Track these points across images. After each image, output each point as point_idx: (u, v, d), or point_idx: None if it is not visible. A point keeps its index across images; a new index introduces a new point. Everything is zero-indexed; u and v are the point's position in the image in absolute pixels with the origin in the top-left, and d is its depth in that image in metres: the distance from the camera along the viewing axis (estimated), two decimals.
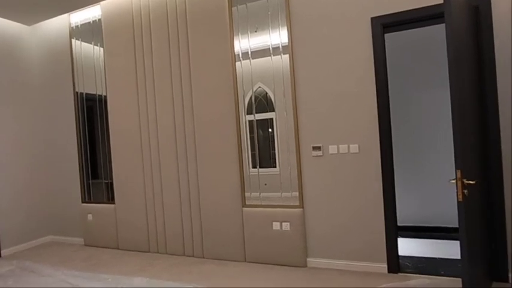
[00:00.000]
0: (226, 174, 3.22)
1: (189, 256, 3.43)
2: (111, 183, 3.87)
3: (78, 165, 4.11)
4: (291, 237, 2.98)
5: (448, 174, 3.35)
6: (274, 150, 3.07)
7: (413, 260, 2.87)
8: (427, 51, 3.52)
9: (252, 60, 3.12)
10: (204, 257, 3.36)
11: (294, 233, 2.97)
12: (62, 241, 4.27)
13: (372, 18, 2.67)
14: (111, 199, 3.91)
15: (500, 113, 2.38)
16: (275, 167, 3.08)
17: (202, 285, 2.72)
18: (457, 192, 1.97)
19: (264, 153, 3.13)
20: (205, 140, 3.29)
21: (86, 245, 4.07)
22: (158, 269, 3.16)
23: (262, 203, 3.11)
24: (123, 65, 3.69)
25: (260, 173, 3.13)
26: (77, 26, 4.04)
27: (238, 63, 3.16)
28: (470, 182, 1.98)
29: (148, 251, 3.65)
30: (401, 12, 2.58)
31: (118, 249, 3.83)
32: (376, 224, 2.73)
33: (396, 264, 2.70)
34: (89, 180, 4.09)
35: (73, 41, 4.08)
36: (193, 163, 3.35)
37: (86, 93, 4.05)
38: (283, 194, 3.04)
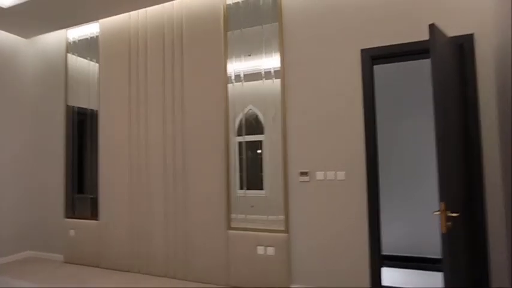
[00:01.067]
0: (213, 196, 3.20)
1: (172, 278, 3.34)
2: (96, 199, 3.81)
3: (64, 179, 4.05)
4: (275, 262, 2.93)
5: (433, 203, 3.41)
6: (262, 172, 3.08)
7: None
8: (415, 82, 3.62)
9: (244, 83, 3.17)
10: (187, 279, 3.28)
11: (278, 257, 2.93)
12: (41, 256, 4.14)
13: (362, 50, 2.76)
14: (95, 215, 3.83)
15: (483, 145, 2.44)
16: (262, 189, 3.08)
17: None
18: (440, 224, 1.98)
19: (251, 175, 3.13)
20: (194, 160, 3.29)
21: (66, 262, 3.95)
22: None
23: (248, 226, 3.08)
24: (117, 81, 3.72)
25: (247, 195, 3.12)
26: (74, 41, 4.10)
27: (230, 85, 3.21)
28: (454, 214, 1.99)
29: (131, 271, 3.55)
30: (389, 45, 2.67)
31: (99, 267, 3.72)
32: (361, 253, 2.71)
33: None
34: (74, 194, 4.02)
35: (69, 55, 4.12)
36: (181, 183, 3.34)
37: (78, 107, 4.05)
38: (269, 217, 3.02)
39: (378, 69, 2.78)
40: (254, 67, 3.15)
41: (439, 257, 3.30)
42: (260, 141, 3.11)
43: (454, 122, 2.28)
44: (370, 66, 2.72)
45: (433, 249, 3.33)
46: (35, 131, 4.30)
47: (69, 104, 4.09)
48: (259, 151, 3.11)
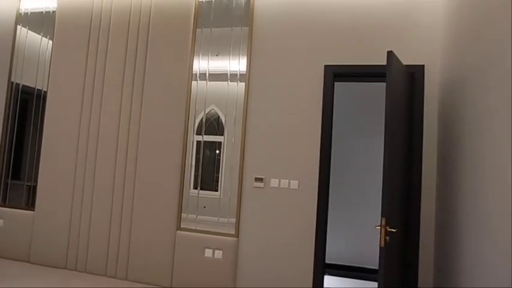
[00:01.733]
0: (165, 193, 3.10)
1: (111, 277, 3.17)
2: (34, 187, 3.51)
3: None
4: (222, 265, 2.92)
5: (375, 218, 3.63)
6: (219, 174, 3.06)
7: None
8: (369, 103, 3.86)
9: (208, 82, 3.14)
10: (127, 279, 3.13)
11: (225, 261, 2.92)
12: None
13: (325, 66, 2.87)
14: (30, 205, 3.52)
15: (423, 167, 2.66)
16: (217, 190, 3.06)
17: None
18: (380, 238, 2.12)
19: (207, 175, 3.10)
20: (148, 155, 3.17)
21: None
22: None
23: (198, 228, 3.04)
24: (72, 63, 3.47)
25: (200, 195, 3.08)
26: (27, 13, 3.74)
27: (194, 83, 3.16)
28: (392, 230, 2.15)
29: (65, 268, 3.31)
30: (350, 65, 2.82)
31: (29, 262, 3.41)
32: (306, 260, 2.81)
33: None
34: (8, 180, 3.65)
35: (19, 27, 3.75)
36: (132, 177, 3.19)
37: (23, 85, 3.71)
38: (220, 219, 3.01)
39: (338, 86, 2.91)
40: (220, 68, 3.13)
41: (374, 267, 3.53)
42: (219, 143, 3.09)
43: (400, 144, 2.46)
44: (331, 82, 2.84)
45: (372, 260, 3.55)
46: None
47: (13, 80, 3.72)
48: (217, 152, 3.09)
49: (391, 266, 2.26)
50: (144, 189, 3.15)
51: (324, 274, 2.82)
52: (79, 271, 3.27)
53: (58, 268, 3.31)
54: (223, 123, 3.08)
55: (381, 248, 2.13)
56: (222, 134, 3.08)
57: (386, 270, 2.13)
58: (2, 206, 3.60)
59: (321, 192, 2.81)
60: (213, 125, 3.12)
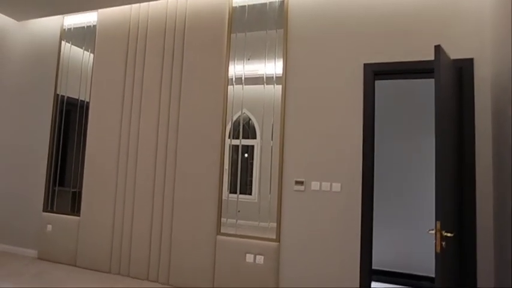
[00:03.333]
0: (204, 198, 3.12)
1: (153, 281, 3.22)
2: (79, 194, 3.65)
3: (46, 171, 3.86)
4: (263, 271, 2.88)
5: (422, 223, 3.46)
6: (252, 177, 3.04)
7: None
8: (412, 102, 3.69)
9: (244, 86, 3.14)
10: (168, 284, 3.16)
11: (267, 267, 2.87)
12: (14, 251, 3.91)
13: (365, 64, 2.79)
14: (76, 211, 3.66)
15: (476, 167, 2.49)
16: (250, 194, 3.04)
17: None
18: (435, 243, 1.99)
19: (243, 179, 3.08)
20: (187, 160, 3.21)
21: (39, 258, 3.74)
22: None
23: (238, 232, 3.01)
24: (112, 74, 3.61)
25: (235, 199, 3.06)
26: (70, 28, 3.96)
27: (230, 87, 3.17)
28: (448, 234, 2.01)
29: (109, 272, 3.40)
30: (391, 63, 2.71)
31: (75, 266, 3.54)
32: (351, 266, 2.70)
33: None
34: (55, 187, 3.83)
35: (63, 43, 3.97)
36: (171, 183, 3.24)
37: (68, 97, 3.89)
38: (260, 223, 2.97)
39: (379, 83, 2.81)
40: (256, 71, 3.12)
41: (424, 274, 3.34)
42: (251, 146, 3.07)
43: (451, 144, 2.32)
44: (372, 81, 2.75)
45: (420, 266, 3.36)
46: (20, 119, 4.08)
47: (59, 93, 3.93)
48: (250, 156, 3.06)
49: (447, 273, 2.11)
50: (184, 194, 3.19)
51: (371, 280, 2.69)
52: (122, 275, 3.34)
53: (102, 272, 3.40)
54: (260, 127, 3.05)
55: (436, 254, 1.99)
56: (255, 138, 3.06)
57: (443, 277, 1.99)
58: (50, 212, 3.78)
59: (365, 194, 2.70)
60: (248, 129, 3.11)
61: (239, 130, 3.12)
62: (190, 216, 3.14)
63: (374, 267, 2.74)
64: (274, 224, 2.92)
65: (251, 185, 3.04)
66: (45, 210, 3.81)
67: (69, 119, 3.88)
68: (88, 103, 3.72)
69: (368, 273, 2.67)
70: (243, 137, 3.10)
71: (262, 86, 3.08)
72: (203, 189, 3.13)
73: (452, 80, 2.37)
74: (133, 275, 3.30)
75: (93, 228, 3.51)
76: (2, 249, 3.96)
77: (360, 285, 2.67)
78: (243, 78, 3.15)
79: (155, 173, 3.31)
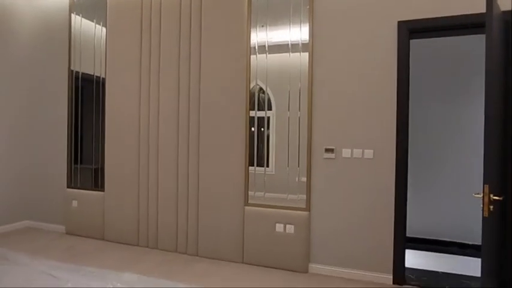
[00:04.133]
0: (230, 170, 3.06)
1: (182, 253, 3.23)
2: (102, 169, 3.63)
3: (66, 148, 3.83)
4: (294, 240, 2.85)
5: (459, 189, 3.38)
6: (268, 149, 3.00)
7: (415, 272, 2.80)
8: (449, 62, 3.50)
9: (268, 55, 2.98)
10: (198, 255, 3.17)
11: (297, 236, 2.84)
12: (41, 227, 3.96)
13: (399, 22, 2.60)
14: (100, 186, 3.66)
15: None
16: (268, 166, 2.98)
17: (196, 285, 2.54)
18: (482, 207, 1.90)
19: (260, 151, 3.01)
20: (210, 132, 3.12)
21: (67, 233, 3.79)
22: (148, 266, 2.94)
23: (266, 203, 2.97)
24: (127, 47, 3.46)
25: (257, 172, 3.00)
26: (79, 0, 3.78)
27: (253, 57, 3.01)
28: (497, 197, 1.91)
29: (137, 245, 3.42)
30: (431, 18, 2.52)
31: (103, 240, 3.58)
32: (385, 234, 2.65)
33: (402, 276, 2.62)
34: (77, 164, 3.82)
35: (73, 15, 3.81)
36: (195, 155, 3.18)
37: (82, 73, 3.79)
38: (289, 196, 2.91)
39: (414, 43, 2.63)
40: (280, 39, 2.95)
41: (465, 241, 3.31)
42: (280, 117, 2.96)
43: (500, 106, 2.18)
44: (407, 41, 2.58)
45: (458, 233, 3.33)
46: (34, 97, 4.01)
47: (73, 68, 3.82)
48: (262, 129, 2.97)
49: (495, 240, 2.04)
50: (209, 166, 3.13)
51: (405, 249, 2.64)
52: (150, 247, 3.36)
53: (130, 245, 3.43)
54: (287, 95, 2.92)
55: (484, 218, 1.90)
56: (286, 108, 2.94)
57: (491, 242, 1.92)
58: (74, 188, 3.78)
59: (400, 160, 2.60)
60: (274, 99, 2.98)
61: (263, 101, 2.99)
62: (217, 188, 3.10)
63: (408, 234, 2.68)
64: (304, 196, 2.85)
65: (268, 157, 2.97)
66: (69, 186, 3.81)
67: (85, 96, 3.79)
68: (104, 79, 3.62)
69: (402, 241, 2.62)
70: (260, 109, 2.99)
71: (286, 54, 2.92)
72: (228, 161, 3.06)
73: (503, 35, 2.19)
74: (161, 247, 3.32)
75: (119, 202, 3.51)
76: (30, 226, 4.02)
77: (394, 254, 2.62)
78: (266, 47, 2.98)
79: (178, 146, 3.24)
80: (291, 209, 2.88)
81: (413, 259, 2.97)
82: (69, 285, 2.35)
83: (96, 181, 3.70)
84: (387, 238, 2.65)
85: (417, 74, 3.33)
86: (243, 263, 3.02)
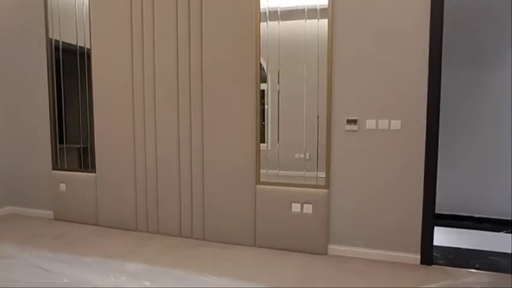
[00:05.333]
0: (238, 145, 2.76)
1: (187, 237, 2.97)
2: (92, 149, 3.26)
3: (49, 126, 3.41)
4: (312, 220, 2.62)
5: (493, 162, 3.21)
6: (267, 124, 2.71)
7: (442, 250, 2.63)
8: (488, 23, 3.23)
9: (281, 22, 2.62)
10: (204, 239, 2.91)
11: (316, 216, 2.61)
12: (26, 214, 3.60)
13: None
14: (90, 167, 3.30)
15: None
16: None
17: (208, 271, 2.30)
18: None
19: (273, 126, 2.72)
20: (215, 104, 2.79)
21: (56, 219, 3.44)
22: (152, 252, 2.67)
23: (281, 181, 2.71)
24: (115, 10, 3.01)
25: (269, 148, 2.73)
26: None
27: (263, 24, 2.64)
28: None
29: (136, 230, 3.13)
30: None
31: (97, 225, 3.26)
32: (413, 211, 2.45)
33: (430, 256, 2.44)
34: (63, 144, 3.42)
35: None
36: (199, 128, 2.85)
37: (63, 42, 3.32)
38: (306, 173, 2.65)
39: (448, 2, 2.34)
40: (293, 3, 2.59)
41: (497, 217, 3.18)
42: (294, 88, 2.65)
43: None
44: (440, 2, 2.27)
45: (491, 208, 3.18)
46: (9, 71, 3.53)
47: (52, 37, 3.33)
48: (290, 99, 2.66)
49: None
50: (214, 142, 2.82)
51: (434, 226, 2.45)
52: (151, 232, 3.08)
53: (128, 230, 3.13)
54: (302, 65, 2.60)
55: None
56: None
57: None
58: (61, 170, 3.41)
59: (430, 131, 2.36)
60: (289, 70, 2.65)
61: (282, 71, 2.66)
62: (224, 166, 2.81)
63: (437, 211, 2.50)
64: (323, 174, 2.60)
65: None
66: (54, 168, 3.43)
67: (67, 68, 3.35)
68: (89, 50, 3.17)
69: (431, 218, 2.42)
70: (289, 79, 2.66)
71: (300, 21, 2.57)
72: (236, 136, 2.76)
73: None
74: (163, 231, 3.04)
75: (113, 184, 3.17)
76: (13, 212, 3.65)
77: (422, 232, 2.44)
78: (279, 12, 2.61)
79: (179, 119, 2.90)
80: (308, 187, 2.63)
81: (440, 236, 2.80)
82: (65, 281, 2.04)
83: (86, 161, 3.33)
84: (415, 215, 2.45)
85: (447, 35, 3.04)
86: (255, 246, 2.79)
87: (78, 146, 3.37)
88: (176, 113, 2.90)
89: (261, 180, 2.75)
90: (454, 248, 2.70)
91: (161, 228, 3.05)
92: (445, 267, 2.41)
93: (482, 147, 3.37)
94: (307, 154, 2.64)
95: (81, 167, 3.34)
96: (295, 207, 2.65)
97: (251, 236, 2.79)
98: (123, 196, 3.14)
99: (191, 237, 2.96)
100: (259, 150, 2.73)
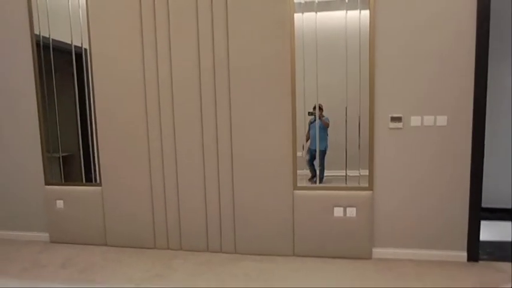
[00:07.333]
0: (272, 149, 2.54)
1: (215, 252, 2.70)
2: (93, 159, 2.86)
3: (39, 134, 2.94)
4: (356, 224, 2.49)
5: None
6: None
7: (488, 245, 2.61)
8: None
9: (318, 13, 2.43)
10: (236, 252, 2.67)
11: (360, 219, 2.48)
12: (14, 238, 3.10)
13: None
14: (94, 179, 2.90)
15: None
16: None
17: None
18: None
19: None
20: (244, 104, 2.53)
21: (53, 242, 3.00)
22: (184, 274, 2.37)
23: (320, 185, 2.54)
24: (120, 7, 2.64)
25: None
26: None
27: (298, 15, 2.43)
28: None
29: (154, 247, 2.80)
30: None
31: (106, 245, 2.88)
32: (459, 208, 2.40)
33: (476, 252, 2.42)
34: (59, 153, 2.97)
35: None
36: (226, 132, 2.58)
37: (53, 40, 2.87)
38: (349, 172, 2.51)
39: None
40: None
41: None
42: (332, 84, 2.48)
43: None
44: None
45: None
46: None
47: (38, 33, 2.86)
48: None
49: None
50: (244, 145, 2.57)
51: (480, 220, 2.42)
52: (172, 249, 2.77)
53: (146, 248, 2.80)
54: (344, 58, 2.43)
55: None
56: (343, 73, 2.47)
57: None
58: (57, 185, 2.96)
59: (477, 126, 2.31)
60: (328, 64, 2.47)
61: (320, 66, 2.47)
62: (256, 172, 2.57)
63: (484, 205, 2.46)
64: (365, 172, 2.47)
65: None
66: (48, 183, 2.98)
67: (59, 68, 2.90)
68: (85, 49, 2.76)
69: (478, 215, 2.39)
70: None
71: (338, 12, 2.40)
72: (269, 138, 2.53)
73: None
74: (187, 247, 2.75)
75: (124, 198, 2.81)
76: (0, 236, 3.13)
77: (469, 229, 2.40)
78: (316, 1, 2.42)
79: (202, 122, 2.61)
80: (351, 190, 2.49)
81: (486, 231, 2.78)
82: None
83: (89, 173, 2.92)
84: (461, 213, 2.40)
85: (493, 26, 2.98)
86: (293, 255, 2.60)
87: (79, 155, 2.94)
88: (199, 115, 2.61)
89: (298, 185, 2.55)
90: (500, 241, 2.70)
91: (184, 243, 2.75)
92: (492, 262, 2.40)
93: None
94: (349, 154, 2.49)
95: (85, 180, 2.92)
96: (338, 212, 2.50)
97: (289, 245, 2.59)
98: (137, 210, 2.79)
99: (220, 252, 2.70)
100: (296, 153, 2.53)
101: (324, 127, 2.49)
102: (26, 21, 2.84)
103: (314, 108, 2.48)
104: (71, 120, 2.91)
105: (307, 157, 2.54)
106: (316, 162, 2.53)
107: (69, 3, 2.76)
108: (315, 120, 2.49)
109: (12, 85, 2.96)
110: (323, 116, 2.49)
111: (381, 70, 2.38)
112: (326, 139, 2.51)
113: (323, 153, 2.53)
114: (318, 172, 2.53)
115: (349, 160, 2.49)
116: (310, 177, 2.56)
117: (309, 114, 2.49)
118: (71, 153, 2.97)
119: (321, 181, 2.54)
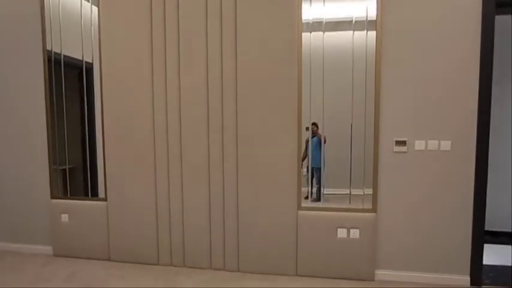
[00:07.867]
0: (276, 170, 2.56)
1: (218, 269, 2.71)
2: (99, 172, 2.89)
3: (47, 149, 2.98)
4: (359, 246, 2.50)
5: None
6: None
7: (490, 269, 2.61)
8: None
9: (326, 33, 2.49)
10: (239, 271, 2.68)
11: (363, 241, 2.49)
12: (16, 250, 3.11)
13: None
14: (99, 194, 2.92)
15: None
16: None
17: None
18: None
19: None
20: (249, 125, 2.57)
21: (56, 255, 3.01)
22: None
23: (325, 206, 2.56)
24: (130, 20, 2.69)
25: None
26: None
27: (306, 34, 2.48)
28: None
29: (157, 263, 2.81)
30: None
31: (109, 260, 2.89)
32: (462, 232, 2.42)
33: (479, 276, 2.42)
34: (66, 166, 3.00)
35: None
36: (232, 152, 2.62)
37: (65, 55, 2.93)
38: (353, 190, 2.53)
39: (499, 21, 2.34)
40: (340, 13, 2.46)
41: None
42: (336, 105, 2.52)
43: None
44: (492, 16, 2.27)
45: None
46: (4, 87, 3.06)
47: (50, 49, 2.92)
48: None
49: None
50: (249, 164, 2.60)
51: (483, 244, 2.43)
52: (175, 266, 2.78)
53: (149, 264, 2.81)
54: (350, 80, 2.48)
55: None
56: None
57: None
58: (63, 198, 2.99)
59: (481, 151, 2.34)
60: (333, 83, 2.52)
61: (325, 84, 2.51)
62: (261, 192, 2.60)
63: (486, 228, 2.48)
64: (369, 190, 2.49)
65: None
66: (54, 196, 3.01)
67: (69, 83, 2.96)
68: (92, 64, 2.82)
69: (481, 239, 2.40)
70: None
71: (345, 32, 2.45)
72: (275, 158, 2.56)
73: None
74: (190, 264, 2.76)
75: (129, 214, 2.83)
76: (2, 249, 3.13)
77: (472, 253, 2.41)
78: (323, 22, 2.47)
79: (209, 141, 2.65)
80: (355, 211, 2.51)
81: (488, 255, 2.78)
82: None
83: (95, 188, 2.95)
84: (464, 236, 2.42)
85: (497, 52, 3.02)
86: (296, 275, 2.61)
87: (86, 169, 2.97)
88: (206, 134, 2.65)
89: (302, 205, 2.57)
90: (502, 266, 2.71)
91: (187, 260, 2.76)
92: (495, 287, 2.40)
93: None
94: (353, 175, 2.51)
95: (86, 194, 2.95)
96: (341, 233, 2.51)
97: (292, 265, 2.60)
98: (141, 226, 2.81)
99: (223, 269, 2.71)
100: (300, 174, 2.56)
101: (318, 145, 2.52)
102: (39, 37, 2.90)
103: (313, 124, 2.52)
104: (77, 135, 2.96)
105: (307, 175, 2.57)
106: (314, 180, 2.56)
107: (82, 21, 2.83)
108: (313, 136, 2.53)
109: (23, 99, 3.01)
110: (319, 134, 2.52)
111: (386, 92, 2.43)
112: (320, 156, 2.53)
113: (318, 170, 2.56)
114: (314, 189, 2.56)
115: (353, 179, 2.51)
116: (305, 196, 2.58)
117: (306, 130, 2.53)
118: (78, 168, 3.00)
119: (319, 199, 2.57)
